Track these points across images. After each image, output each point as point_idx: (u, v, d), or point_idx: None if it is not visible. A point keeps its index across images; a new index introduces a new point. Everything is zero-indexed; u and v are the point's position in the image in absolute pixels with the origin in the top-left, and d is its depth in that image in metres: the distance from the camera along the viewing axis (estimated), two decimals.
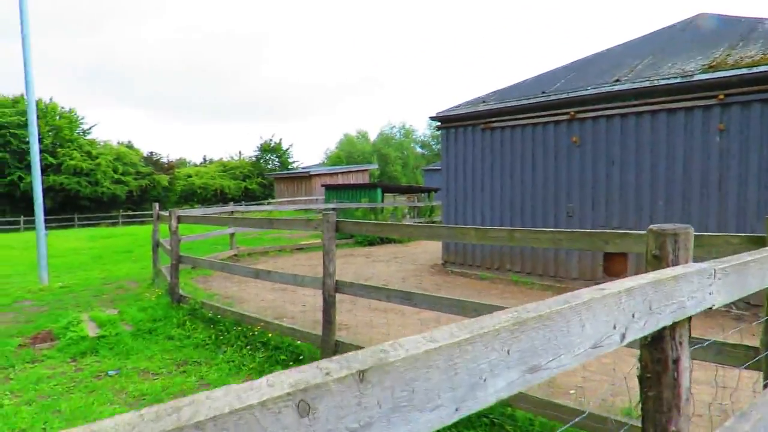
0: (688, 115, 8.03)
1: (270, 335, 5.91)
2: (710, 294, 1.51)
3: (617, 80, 8.98)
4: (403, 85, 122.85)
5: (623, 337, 1.15)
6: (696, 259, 1.59)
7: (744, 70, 7.41)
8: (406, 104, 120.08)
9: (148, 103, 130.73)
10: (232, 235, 13.90)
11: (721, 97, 7.64)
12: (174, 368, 5.70)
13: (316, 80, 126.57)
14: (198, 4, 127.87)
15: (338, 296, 5.09)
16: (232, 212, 14.74)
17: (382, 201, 20.87)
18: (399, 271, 11.46)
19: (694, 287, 1.43)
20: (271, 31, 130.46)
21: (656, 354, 1.47)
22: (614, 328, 1.11)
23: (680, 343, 1.53)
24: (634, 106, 8.56)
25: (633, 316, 1.17)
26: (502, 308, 3.75)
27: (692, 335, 1.60)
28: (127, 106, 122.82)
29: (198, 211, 15.32)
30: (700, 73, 7.89)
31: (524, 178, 10.15)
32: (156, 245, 10.00)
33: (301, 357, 5.39)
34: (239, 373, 5.51)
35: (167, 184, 45.92)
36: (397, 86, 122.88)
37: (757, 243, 2.58)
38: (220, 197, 46.93)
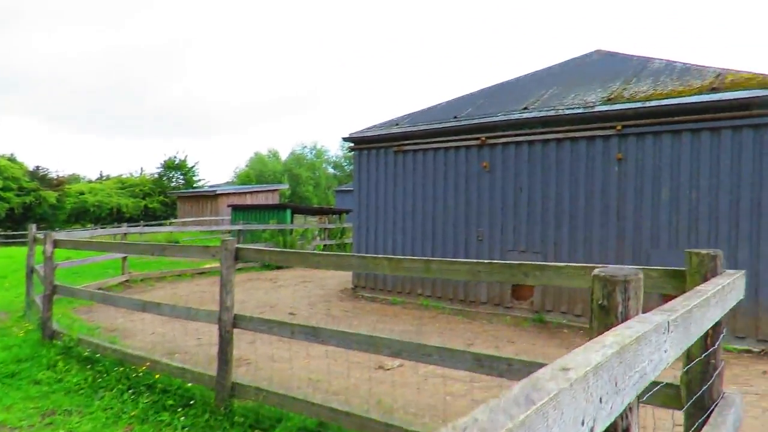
0: (589, 144, 8.35)
1: (157, 376, 5.21)
2: (665, 352, 1.28)
3: (525, 108, 9.22)
4: (315, 105, 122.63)
5: None
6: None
7: (638, 104, 7.83)
8: (318, 125, 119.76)
9: (40, 115, 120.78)
10: (124, 258, 12.71)
11: (619, 128, 8.01)
12: (38, 420, 4.84)
13: (227, 99, 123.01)
14: (106, 14, 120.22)
15: (237, 331, 4.57)
16: (125, 234, 13.52)
17: (292, 222, 20.25)
18: (306, 297, 10.96)
19: (653, 348, 1.18)
20: (184, 47, 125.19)
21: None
22: (582, 424, 0.81)
23: (630, 410, 1.28)
24: (541, 133, 8.79)
25: (600, 401, 0.89)
26: (422, 345, 3.46)
27: None
28: (12, 115, 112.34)
29: (85, 233, 13.92)
30: (600, 105, 8.25)
31: (436, 202, 10.11)
32: (30, 272, 8.80)
33: (192, 401, 4.77)
34: (118, 422, 4.78)
35: (55, 201, 42.02)
36: (310, 107, 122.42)
37: (677, 277, 2.47)
38: (117, 216, 43.66)
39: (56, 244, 6.66)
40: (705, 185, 7.35)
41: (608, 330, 1.25)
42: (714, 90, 7.41)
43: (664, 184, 7.68)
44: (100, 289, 12.05)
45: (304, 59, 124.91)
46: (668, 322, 1.28)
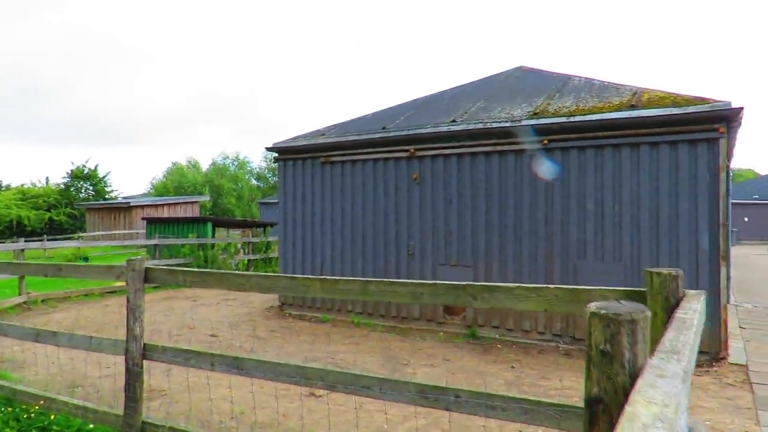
0: (518, 157, 8.42)
1: (53, 417, 4.53)
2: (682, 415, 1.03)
3: (453, 121, 9.19)
4: (238, 117, 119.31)
5: None
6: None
7: (563, 119, 7.98)
8: (241, 136, 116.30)
9: None
10: (21, 277, 11.43)
11: (546, 141, 8.13)
12: None
13: (144, 108, 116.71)
14: (13, 12, 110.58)
15: (148, 363, 4.03)
16: (23, 250, 12.19)
17: (214, 236, 19.27)
18: (230, 315, 10.30)
19: (682, 410, 0.93)
20: (100, 50, 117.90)
21: None
22: None
23: None
24: (470, 146, 8.77)
25: None
26: (359, 376, 3.12)
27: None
28: None
29: None
30: (527, 119, 8.34)
31: (365, 214, 9.84)
32: None
33: None
34: None
35: None
36: (232, 118, 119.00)
37: (637, 299, 2.31)
38: (17, 230, 39.94)
39: None
40: (627, 198, 7.58)
41: (610, 382, 1.00)
42: (633, 107, 7.68)
43: (589, 197, 7.85)
44: None
45: (228, 68, 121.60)
46: (683, 371, 1.05)
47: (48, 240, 28.02)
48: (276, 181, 59.35)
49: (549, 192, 8.17)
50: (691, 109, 7.15)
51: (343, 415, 4.99)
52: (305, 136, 11.04)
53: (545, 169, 8.13)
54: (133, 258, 3.95)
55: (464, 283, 2.83)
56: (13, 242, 24.29)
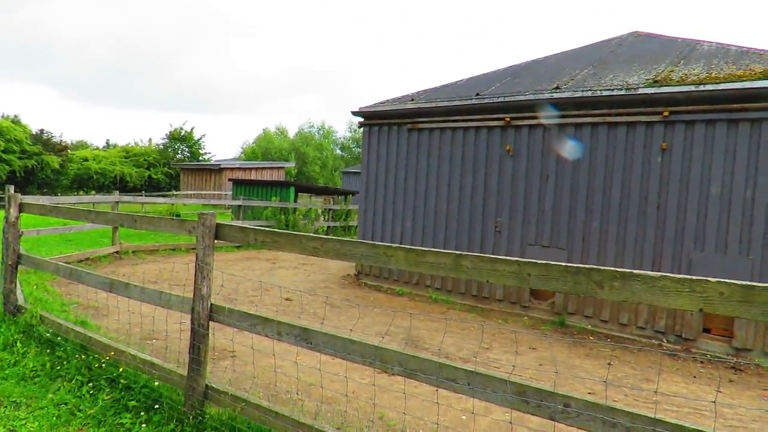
0: (630, 131, 7.44)
1: (121, 369, 4.42)
2: None
3: (557, 87, 8.28)
4: (325, 87, 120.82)
5: None
6: None
7: (691, 87, 6.89)
8: (327, 106, 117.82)
9: (54, 82, 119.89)
10: (115, 228, 11.95)
11: (666, 114, 7.09)
12: None
13: (243, 79, 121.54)
14: None
15: (214, 325, 3.77)
16: (118, 202, 12.72)
17: (296, 201, 19.41)
18: (306, 281, 10.15)
19: None
20: (200, 24, 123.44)
21: None
22: None
23: None
24: (574, 116, 7.87)
25: None
26: (445, 366, 2.62)
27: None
28: (25, 82, 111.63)
29: (71, 199, 13.17)
30: (644, 87, 7.31)
31: (451, 186, 9.23)
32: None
33: (157, 405, 3.97)
34: (71, 422, 3.99)
35: (58, 166, 41.25)
36: (319, 88, 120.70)
37: None
38: (120, 185, 42.88)
39: (23, 207, 5.86)
40: (764, 182, 6.44)
41: None
42: None
43: (714, 179, 6.78)
44: (88, 259, 11.34)
45: (323, 44, 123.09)
46: None
47: (146, 195, 29.74)
48: (359, 151, 59.67)
49: (665, 171, 7.16)
50: None
51: (417, 398, 4.54)
52: (393, 101, 10.52)
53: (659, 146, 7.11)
54: (204, 212, 3.65)
55: (588, 266, 2.22)
56: (103, 195, 25.90)
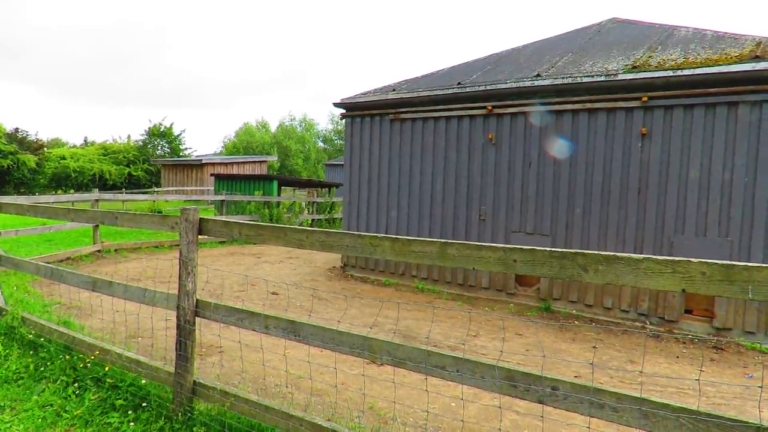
0: (610, 117, 7.51)
1: (107, 368, 4.38)
2: None
3: (537, 75, 8.31)
4: (306, 80, 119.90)
5: None
6: None
7: (669, 72, 6.96)
8: (308, 99, 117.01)
9: (29, 79, 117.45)
10: (95, 227, 11.77)
11: (645, 99, 7.17)
12: None
13: (219, 73, 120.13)
14: None
15: (201, 321, 3.74)
16: (97, 200, 12.52)
17: (279, 194, 19.30)
18: (292, 274, 10.12)
19: None
20: (176, 20, 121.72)
21: None
22: None
23: None
24: (555, 103, 7.92)
25: None
26: (433, 353, 2.64)
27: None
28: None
29: (49, 198, 12.93)
30: (623, 73, 7.37)
31: (435, 175, 9.24)
32: None
33: (144, 403, 3.94)
34: (57, 423, 3.94)
35: (35, 165, 40.49)
36: (300, 82, 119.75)
37: None
38: (99, 183, 42.22)
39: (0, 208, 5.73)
40: (741, 164, 6.56)
41: None
42: (757, 58, 6.56)
43: (693, 163, 6.88)
44: (69, 258, 11.17)
45: (296, 34, 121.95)
46: None
47: (126, 193, 29.32)
48: (342, 143, 59.39)
49: (645, 156, 7.25)
50: None
51: (406, 387, 4.56)
52: (375, 91, 10.48)
53: (639, 130, 7.19)
54: (187, 208, 3.61)
55: (572, 251, 2.24)
56: (81, 194, 25.49)
